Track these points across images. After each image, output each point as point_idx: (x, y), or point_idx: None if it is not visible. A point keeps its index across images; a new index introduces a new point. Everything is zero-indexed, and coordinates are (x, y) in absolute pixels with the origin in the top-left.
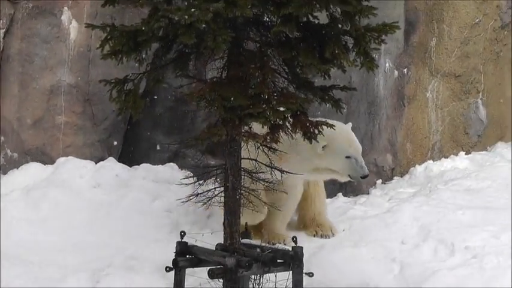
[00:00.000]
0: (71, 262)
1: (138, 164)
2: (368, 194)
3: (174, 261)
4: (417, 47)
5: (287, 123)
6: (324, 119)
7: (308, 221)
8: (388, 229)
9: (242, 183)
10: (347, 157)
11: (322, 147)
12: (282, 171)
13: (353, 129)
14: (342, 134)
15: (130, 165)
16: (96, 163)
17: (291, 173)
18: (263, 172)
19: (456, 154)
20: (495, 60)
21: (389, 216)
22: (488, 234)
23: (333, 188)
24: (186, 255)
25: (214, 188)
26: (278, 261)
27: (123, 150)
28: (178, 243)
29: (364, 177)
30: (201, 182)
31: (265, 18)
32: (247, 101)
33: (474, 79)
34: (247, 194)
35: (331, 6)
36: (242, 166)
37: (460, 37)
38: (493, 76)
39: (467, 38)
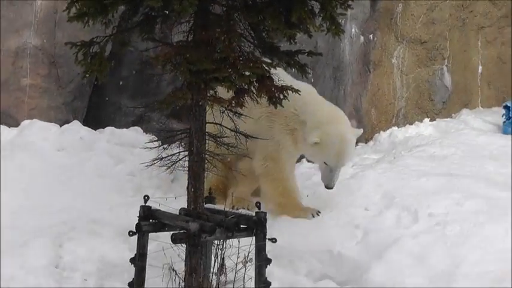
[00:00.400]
0: (33, 225)
1: (103, 127)
2: None
3: (137, 226)
4: (383, 13)
5: (252, 88)
6: (289, 84)
7: None
8: (351, 195)
9: (207, 148)
10: (325, 163)
11: (314, 143)
12: (246, 136)
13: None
14: (335, 143)
15: (95, 129)
16: (60, 126)
17: (255, 138)
18: (227, 137)
19: (421, 121)
20: (461, 27)
21: (353, 182)
22: (451, 202)
23: None
24: (149, 220)
25: (179, 152)
26: (241, 226)
27: (88, 113)
28: (142, 207)
29: (326, 187)
30: (165, 146)
31: None
32: (213, 65)
33: (440, 46)
34: (212, 158)
35: None
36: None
37: (426, 3)
38: (459, 43)
39: (433, 4)
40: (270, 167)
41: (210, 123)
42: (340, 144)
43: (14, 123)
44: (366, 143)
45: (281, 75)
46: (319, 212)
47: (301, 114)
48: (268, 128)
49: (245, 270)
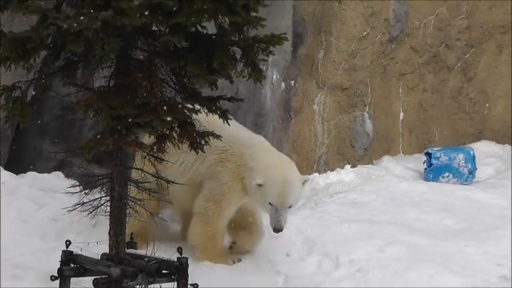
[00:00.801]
0: None
1: (25, 172)
2: None
3: (59, 270)
4: (305, 59)
5: (174, 133)
6: (210, 130)
7: None
8: (272, 241)
9: (128, 193)
10: (270, 204)
11: (258, 185)
12: (167, 181)
13: None
14: (279, 183)
15: (16, 173)
16: None
17: (177, 183)
18: (149, 182)
19: (342, 167)
20: (382, 73)
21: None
22: (372, 248)
23: None
24: (71, 265)
25: (100, 198)
26: (163, 271)
27: (10, 157)
28: (64, 252)
29: (275, 230)
30: (87, 191)
31: (154, 28)
32: (135, 111)
33: (361, 92)
34: (134, 203)
35: (220, 17)
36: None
37: (348, 50)
38: (380, 89)
39: (354, 51)
40: (210, 209)
41: (132, 168)
42: (284, 184)
43: None
44: None
45: (236, 127)
46: (240, 259)
47: (250, 161)
48: (220, 172)
49: None
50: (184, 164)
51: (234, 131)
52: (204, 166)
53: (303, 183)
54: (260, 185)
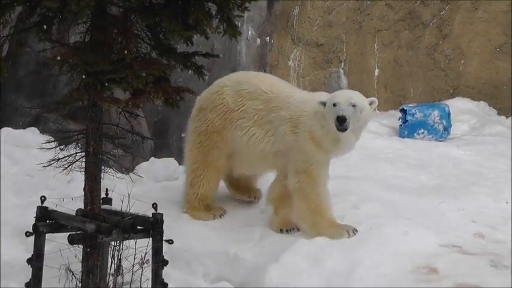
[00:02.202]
0: None
1: (0, 128)
2: None
3: (34, 226)
4: (280, 15)
5: (149, 89)
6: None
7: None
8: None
9: (103, 148)
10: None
11: (322, 103)
12: (143, 137)
13: None
14: (339, 91)
15: None
16: None
17: (150, 138)
18: (124, 138)
19: None
20: (357, 30)
21: None
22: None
23: None
24: (46, 220)
25: (76, 153)
26: (138, 227)
27: None
28: (39, 208)
29: (339, 121)
30: (62, 146)
31: None
32: (110, 66)
33: (336, 48)
34: (108, 159)
35: None
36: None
37: (323, 6)
38: (355, 46)
39: (330, 7)
40: (303, 182)
41: (107, 124)
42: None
43: None
44: None
45: (297, 92)
46: (355, 230)
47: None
48: (296, 142)
49: (142, 271)
50: (255, 136)
51: (297, 97)
52: (277, 137)
53: (370, 104)
54: (323, 103)
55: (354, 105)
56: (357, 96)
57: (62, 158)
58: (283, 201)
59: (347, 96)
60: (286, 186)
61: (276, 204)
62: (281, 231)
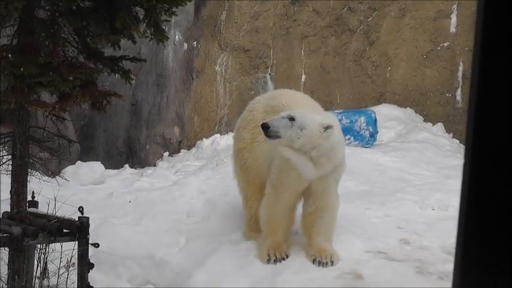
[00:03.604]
0: None
1: None
2: (155, 166)
3: None
4: (207, 21)
5: (76, 93)
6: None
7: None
8: (174, 202)
9: (30, 152)
10: None
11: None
12: (69, 141)
13: (141, 101)
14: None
15: None
16: None
17: (76, 142)
18: (50, 141)
19: None
20: (284, 35)
21: (176, 189)
22: None
23: (120, 159)
24: None
25: (2, 156)
26: (64, 231)
27: None
28: None
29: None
30: None
31: None
32: (37, 69)
33: (263, 54)
34: (35, 162)
35: None
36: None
37: (250, 11)
38: (282, 52)
39: (257, 13)
40: (268, 194)
41: (33, 127)
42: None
43: None
44: (188, 149)
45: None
46: (283, 259)
47: None
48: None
49: (68, 274)
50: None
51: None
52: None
53: (326, 128)
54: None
55: (291, 119)
56: (301, 114)
57: None
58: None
59: (291, 112)
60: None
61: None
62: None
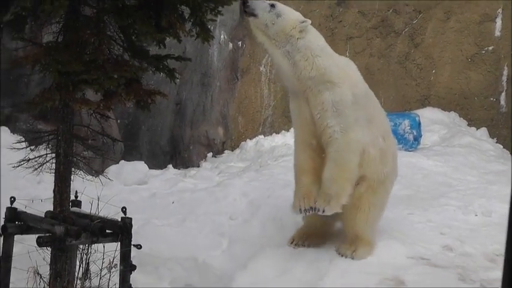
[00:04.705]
0: None
1: None
2: (198, 166)
3: (3, 227)
4: None
5: (121, 91)
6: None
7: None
8: (217, 203)
9: (74, 150)
10: None
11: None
12: (113, 139)
13: (185, 100)
14: None
15: None
16: None
17: (120, 141)
18: (94, 140)
19: (287, 130)
20: (330, 37)
21: (219, 190)
22: None
23: (163, 159)
24: (15, 222)
25: (46, 154)
26: (107, 231)
27: None
28: (8, 209)
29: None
30: (32, 147)
31: None
32: (82, 67)
33: None
34: (78, 161)
35: None
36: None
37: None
38: None
39: (302, 13)
40: None
41: (78, 125)
42: None
43: None
44: (232, 150)
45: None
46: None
47: None
48: None
49: (110, 276)
50: None
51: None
52: None
53: (301, 22)
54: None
55: (272, 5)
56: (284, 6)
57: (32, 159)
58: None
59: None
60: None
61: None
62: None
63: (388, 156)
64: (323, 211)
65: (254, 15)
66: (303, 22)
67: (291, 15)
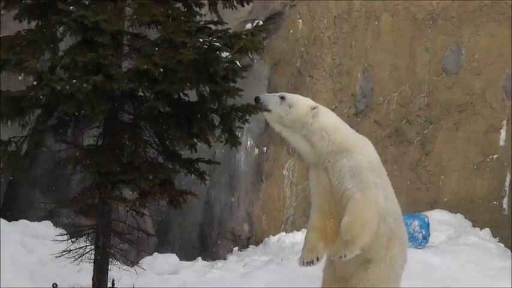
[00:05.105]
0: None
1: (17, 220)
2: (225, 259)
3: None
4: None
5: (155, 191)
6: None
7: None
8: None
9: (111, 243)
10: None
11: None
12: (148, 234)
13: (214, 200)
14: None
15: (9, 221)
16: None
17: (153, 235)
18: (130, 234)
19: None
20: None
21: (244, 281)
22: None
23: (193, 252)
24: None
25: (86, 246)
26: None
27: (3, 206)
28: None
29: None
30: (73, 239)
31: (140, 93)
32: (120, 168)
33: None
34: (115, 252)
35: (201, 85)
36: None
37: None
38: None
39: None
40: None
41: (115, 220)
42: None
43: None
44: (256, 245)
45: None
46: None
47: None
48: None
49: None
50: None
51: None
52: None
53: (312, 109)
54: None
55: (282, 98)
56: (293, 95)
57: (73, 250)
58: None
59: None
60: None
61: None
62: None
63: (394, 240)
64: (344, 256)
65: (267, 110)
66: (314, 108)
67: (302, 103)
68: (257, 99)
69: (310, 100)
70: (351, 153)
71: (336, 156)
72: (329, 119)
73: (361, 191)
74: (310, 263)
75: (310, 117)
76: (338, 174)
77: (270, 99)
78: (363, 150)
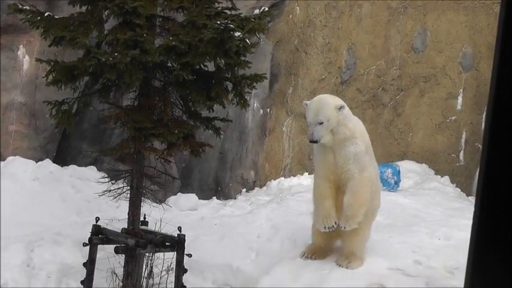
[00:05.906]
0: (12, 235)
1: (67, 165)
2: (235, 199)
3: (90, 239)
4: (278, 93)
5: (180, 143)
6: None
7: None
8: (248, 226)
9: (143, 184)
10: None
11: (305, 104)
12: (173, 178)
13: (227, 151)
14: (313, 102)
15: (61, 166)
16: (36, 162)
17: (178, 178)
18: (159, 177)
19: (302, 174)
20: None
21: (250, 216)
22: None
23: (209, 193)
24: (99, 235)
25: (123, 187)
26: (166, 244)
27: (57, 154)
28: (93, 225)
29: (310, 141)
30: (113, 181)
31: (169, 64)
32: (151, 124)
33: None
34: (147, 192)
35: (218, 59)
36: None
37: (310, 88)
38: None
39: (315, 89)
40: None
41: (147, 166)
42: (315, 102)
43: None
44: (260, 188)
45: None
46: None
47: None
48: None
49: (167, 276)
50: None
51: None
52: None
53: (339, 108)
54: (306, 105)
55: (320, 123)
56: (323, 111)
57: (112, 190)
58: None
59: (315, 115)
60: None
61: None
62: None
63: (378, 191)
64: (344, 228)
65: (320, 140)
66: (341, 108)
67: (332, 111)
68: (315, 141)
69: (332, 99)
70: (356, 140)
71: (346, 142)
72: (346, 110)
73: (359, 171)
74: (331, 227)
75: (340, 114)
76: (344, 157)
77: (319, 132)
78: (363, 136)
